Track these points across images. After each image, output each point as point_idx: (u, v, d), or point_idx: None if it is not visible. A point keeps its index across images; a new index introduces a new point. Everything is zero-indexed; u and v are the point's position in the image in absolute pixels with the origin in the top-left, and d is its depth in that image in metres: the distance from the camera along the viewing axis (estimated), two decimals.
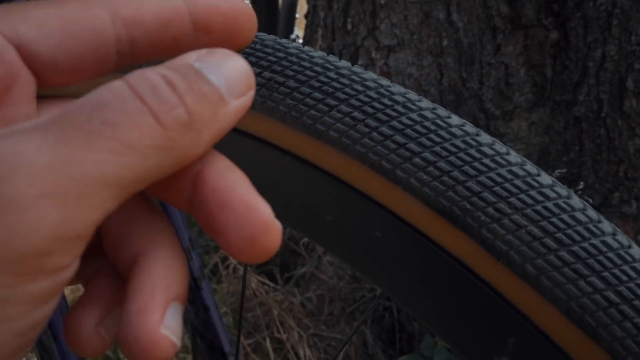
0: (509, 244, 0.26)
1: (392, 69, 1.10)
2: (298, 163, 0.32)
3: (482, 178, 0.27)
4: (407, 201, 0.29)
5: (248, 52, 0.32)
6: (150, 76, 0.16)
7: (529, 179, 0.27)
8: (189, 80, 0.17)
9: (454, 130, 0.28)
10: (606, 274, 0.25)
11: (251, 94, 0.19)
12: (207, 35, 0.21)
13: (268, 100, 0.31)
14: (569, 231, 0.26)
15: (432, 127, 0.28)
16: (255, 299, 1.29)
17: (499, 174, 0.27)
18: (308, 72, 0.30)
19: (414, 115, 0.28)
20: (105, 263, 0.21)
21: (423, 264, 0.30)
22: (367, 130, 0.29)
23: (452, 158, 0.27)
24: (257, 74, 0.31)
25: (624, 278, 0.25)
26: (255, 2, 1.89)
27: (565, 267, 0.25)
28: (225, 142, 0.35)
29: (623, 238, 0.26)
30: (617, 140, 0.96)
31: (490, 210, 0.26)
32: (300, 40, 1.89)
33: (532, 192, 0.26)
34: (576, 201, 0.27)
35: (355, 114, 0.29)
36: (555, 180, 0.27)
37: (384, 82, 0.30)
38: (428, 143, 0.28)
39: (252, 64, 0.31)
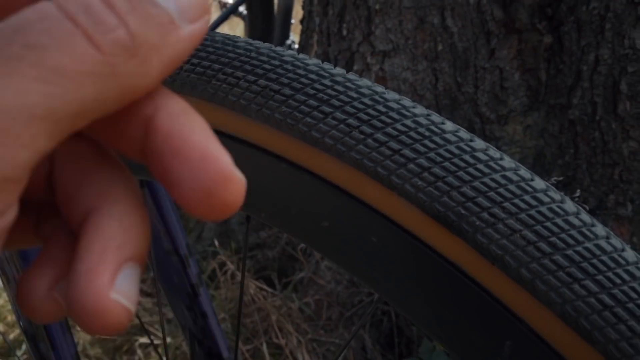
0: (504, 249, 0.26)
1: (388, 74, 1.10)
2: (294, 170, 0.32)
3: (476, 183, 0.27)
4: (402, 207, 0.29)
5: (244, 60, 0.32)
6: None
7: (522, 184, 0.27)
8: (132, 0, 0.15)
9: (448, 136, 0.28)
10: (600, 277, 0.25)
11: (206, 18, 0.17)
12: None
13: (264, 107, 0.31)
14: (563, 235, 0.26)
15: (427, 134, 0.28)
16: (254, 305, 1.28)
17: (493, 179, 0.27)
18: (303, 80, 0.30)
19: (408, 122, 0.28)
20: (62, 221, 0.19)
21: (419, 269, 0.30)
22: (362, 137, 0.29)
23: (446, 164, 0.27)
24: (252, 82, 0.31)
25: (618, 281, 0.25)
26: (251, 8, 1.90)
27: (559, 271, 0.25)
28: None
29: (617, 241, 0.26)
30: (611, 143, 0.96)
31: (485, 215, 0.27)
32: (296, 46, 1.89)
33: (526, 197, 0.26)
34: (570, 205, 0.27)
35: (350, 121, 0.29)
36: (549, 185, 0.27)
37: (379, 89, 0.30)
38: (422, 149, 0.28)
39: (247, 72, 0.32)
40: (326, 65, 0.31)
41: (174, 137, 0.16)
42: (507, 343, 0.29)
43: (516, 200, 0.26)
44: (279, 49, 0.32)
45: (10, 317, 1.39)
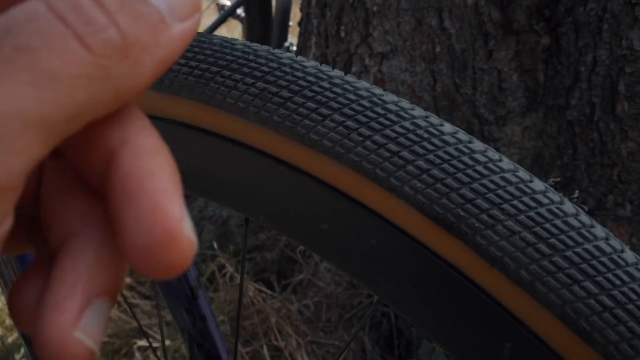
0: (503, 250, 0.26)
1: (386, 75, 1.10)
2: (292, 172, 0.32)
3: (475, 185, 0.27)
4: (401, 209, 0.29)
5: (242, 62, 0.32)
6: None
7: (521, 186, 0.27)
8: None
9: (446, 138, 0.28)
10: (600, 278, 0.25)
11: (197, 17, 0.16)
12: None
13: (262, 110, 0.31)
14: (562, 236, 0.26)
15: (425, 135, 0.28)
16: (253, 307, 1.28)
17: (492, 181, 0.27)
18: (301, 82, 0.30)
19: (406, 124, 0.28)
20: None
21: (418, 271, 0.30)
22: (360, 138, 0.29)
23: (445, 165, 0.27)
24: (250, 85, 0.31)
25: (618, 282, 0.25)
26: (249, 11, 1.90)
27: (559, 273, 0.25)
28: (220, 152, 0.35)
29: (616, 242, 0.26)
30: (610, 144, 0.96)
31: (484, 216, 0.27)
32: (294, 48, 1.89)
33: (525, 199, 0.26)
34: (569, 206, 0.27)
35: (349, 123, 0.29)
36: (548, 186, 0.27)
37: (377, 90, 0.30)
38: (421, 151, 0.28)
39: (245, 74, 0.32)
40: (324, 68, 0.31)
41: (131, 180, 0.15)
42: (506, 345, 0.29)
43: (515, 202, 0.26)
44: (277, 51, 0.32)
45: (9, 321, 1.39)
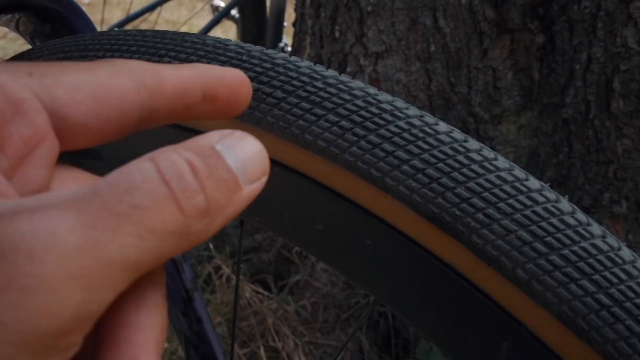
0: (500, 249, 0.26)
1: (381, 75, 1.10)
2: (287, 173, 0.32)
3: (471, 184, 0.27)
4: (397, 209, 0.29)
5: (235, 63, 0.32)
6: (177, 160, 0.17)
7: (517, 184, 0.27)
8: (210, 166, 0.17)
9: (442, 137, 0.28)
10: (597, 276, 0.25)
11: (264, 179, 0.19)
12: (212, 104, 0.22)
13: (256, 111, 0.31)
14: (559, 235, 0.26)
15: (420, 135, 0.28)
16: (250, 308, 1.28)
17: (487, 180, 0.27)
18: (295, 82, 0.30)
19: (401, 123, 0.28)
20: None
21: (415, 271, 0.30)
22: (355, 139, 0.29)
23: (440, 165, 0.27)
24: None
25: (615, 280, 0.25)
26: (243, 12, 1.90)
27: (556, 271, 0.25)
28: None
29: (613, 240, 0.26)
30: (605, 141, 0.96)
31: (480, 216, 0.26)
32: (289, 49, 1.89)
33: (521, 197, 0.26)
34: (565, 204, 0.27)
35: (343, 123, 0.29)
36: (544, 185, 0.27)
37: (372, 90, 0.30)
38: (416, 150, 0.28)
39: None
40: (318, 68, 0.31)
41: (124, 326, 0.17)
42: (503, 344, 0.28)
43: (511, 201, 0.26)
44: (270, 51, 0.32)
45: None
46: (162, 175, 0.16)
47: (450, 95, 1.06)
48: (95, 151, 0.39)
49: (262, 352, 1.21)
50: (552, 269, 0.25)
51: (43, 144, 0.19)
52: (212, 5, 2.27)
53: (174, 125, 0.35)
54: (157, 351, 0.18)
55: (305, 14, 1.27)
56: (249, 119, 0.31)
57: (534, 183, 0.27)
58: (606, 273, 0.25)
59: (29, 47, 0.48)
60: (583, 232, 0.26)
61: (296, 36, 1.36)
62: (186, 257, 0.53)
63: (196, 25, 3.38)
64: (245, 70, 0.31)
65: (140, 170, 0.16)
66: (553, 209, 0.26)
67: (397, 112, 0.29)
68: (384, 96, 0.29)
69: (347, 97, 0.29)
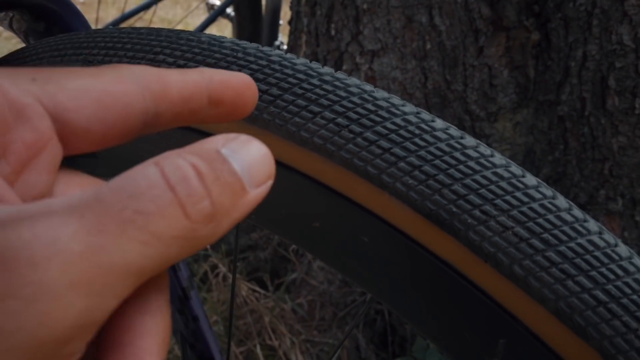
0: (496, 246, 0.26)
1: (377, 73, 1.10)
2: (283, 170, 0.31)
3: (467, 181, 0.27)
4: (393, 206, 0.29)
5: (230, 60, 0.32)
6: (182, 165, 0.17)
7: (514, 181, 0.27)
8: (216, 170, 0.17)
9: (438, 133, 0.28)
10: (594, 273, 0.25)
11: (270, 183, 0.19)
12: (218, 108, 0.22)
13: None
14: (556, 231, 0.26)
15: (417, 131, 0.28)
16: (246, 307, 1.28)
17: (484, 176, 0.27)
18: (291, 80, 0.30)
19: (398, 120, 0.28)
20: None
21: (411, 268, 0.30)
22: (351, 136, 0.29)
23: (437, 162, 0.27)
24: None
25: (612, 277, 0.25)
26: (239, 10, 1.89)
27: (552, 268, 0.25)
28: None
29: (609, 237, 0.26)
30: (601, 138, 0.96)
31: (477, 212, 0.26)
32: (285, 47, 1.89)
33: (518, 194, 0.26)
34: (561, 201, 0.27)
35: (340, 120, 0.29)
36: (540, 181, 0.27)
37: (368, 87, 0.30)
38: (413, 147, 0.28)
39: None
40: (314, 65, 0.31)
41: (129, 329, 0.17)
42: (500, 341, 0.28)
43: (508, 197, 0.26)
44: (266, 48, 0.32)
45: None
46: (167, 180, 0.16)
47: (446, 93, 1.06)
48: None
49: (258, 350, 1.21)
50: (549, 265, 0.25)
51: (46, 149, 0.19)
52: (207, 4, 2.26)
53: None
54: (162, 355, 0.18)
55: (301, 12, 1.27)
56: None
57: (530, 180, 0.27)
58: (603, 269, 0.25)
59: (23, 45, 0.47)
60: (580, 228, 0.26)
61: (292, 34, 1.36)
62: None
63: (191, 24, 3.37)
64: (241, 67, 0.31)
65: (145, 175, 0.16)
66: (550, 206, 0.26)
67: (393, 109, 0.29)
68: (381, 93, 0.29)
69: (343, 94, 0.29)
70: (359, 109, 0.29)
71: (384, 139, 0.28)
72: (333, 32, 1.14)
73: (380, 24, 1.07)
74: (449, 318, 0.30)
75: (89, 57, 0.36)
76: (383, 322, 1.20)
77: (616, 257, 0.25)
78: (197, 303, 0.56)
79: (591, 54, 0.94)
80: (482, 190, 0.26)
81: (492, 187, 0.26)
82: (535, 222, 0.26)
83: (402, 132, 0.28)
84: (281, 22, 2.02)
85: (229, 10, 2.03)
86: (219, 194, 0.17)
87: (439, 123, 0.28)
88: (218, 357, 0.56)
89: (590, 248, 0.25)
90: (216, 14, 1.78)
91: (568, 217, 0.26)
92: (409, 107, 0.29)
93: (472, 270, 0.28)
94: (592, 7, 0.93)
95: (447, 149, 0.27)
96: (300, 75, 0.30)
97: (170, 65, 0.33)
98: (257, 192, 0.18)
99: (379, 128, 0.28)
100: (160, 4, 1.86)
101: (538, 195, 0.26)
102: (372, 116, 0.29)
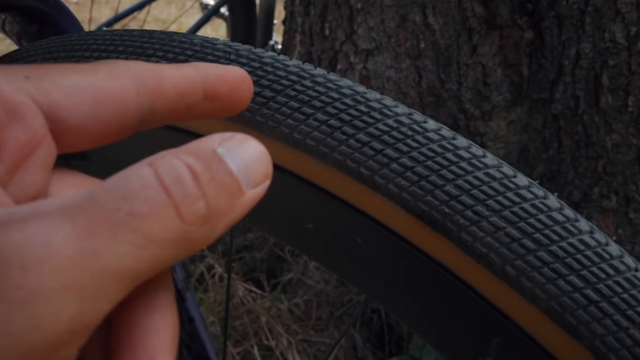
0: (488, 246, 0.26)
1: (371, 72, 1.10)
2: (276, 172, 0.31)
3: (459, 181, 0.27)
4: (386, 207, 0.29)
5: (223, 62, 0.32)
6: (176, 165, 0.16)
7: (505, 181, 0.27)
8: (211, 170, 0.17)
9: (430, 134, 0.28)
10: (585, 272, 0.25)
11: (267, 183, 0.18)
12: (213, 103, 0.22)
13: (244, 110, 0.31)
14: (547, 231, 0.26)
15: (409, 133, 0.28)
16: (243, 307, 1.28)
17: (476, 177, 0.27)
18: (283, 82, 0.30)
19: (390, 121, 0.28)
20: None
21: (405, 268, 0.30)
22: (344, 137, 0.29)
23: (429, 163, 0.27)
24: None
25: (603, 276, 0.25)
26: (233, 10, 1.89)
27: (544, 267, 0.25)
28: None
29: (600, 236, 0.26)
30: (594, 136, 0.97)
31: (469, 213, 0.26)
32: (279, 46, 1.89)
33: (509, 194, 0.26)
34: (553, 201, 0.27)
35: (332, 121, 0.29)
36: (532, 181, 0.27)
37: (360, 88, 0.30)
38: (405, 148, 0.28)
39: None
40: (307, 66, 0.31)
41: (138, 328, 0.17)
42: (494, 340, 0.29)
43: (499, 198, 0.26)
44: (258, 50, 0.32)
45: None
46: (162, 180, 0.16)
47: (441, 92, 1.07)
48: (83, 152, 0.39)
49: (255, 350, 1.21)
50: (540, 265, 0.25)
51: (40, 147, 0.19)
52: (201, 3, 2.26)
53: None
54: (173, 353, 0.18)
55: (295, 12, 1.27)
56: (237, 118, 0.31)
57: (522, 180, 0.27)
58: (594, 269, 0.25)
59: (16, 47, 0.47)
60: (571, 228, 0.26)
61: (286, 34, 1.36)
62: None
63: (186, 23, 3.37)
64: None
65: (139, 175, 0.16)
66: (541, 206, 0.26)
67: (385, 110, 0.29)
68: (373, 94, 0.29)
69: (335, 95, 0.29)
70: (352, 111, 0.29)
71: (377, 141, 0.28)
72: (327, 32, 1.14)
73: (374, 23, 1.07)
74: (443, 318, 0.30)
75: (82, 59, 0.36)
76: (380, 321, 1.20)
77: (607, 256, 0.25)
78: (193, 304, 0.56)
79: (584, 52, 0.95)
80: (474, 191, 0.27)
81: (484, 187, 0.27)
82: (527, 222, 0.26)
83: (394, 133, 0.28)
84: (275, 21, 2.02)
85: (223, 10, 2.02)
86: (214, 195, 0.16)
87: (431, 124, 0.29)
88: (214, 358, 0.56)
89: (582, 247, 0.25)
90: (210, 13, 1.77)
91: (559, 217, 0.26)
92: (402, 109, 0.29)
93: (465, 271, 0.28)
94: (584, 5, 0.93)
95: (439, 150, 0.28)
96: (293, 77, 0.30)
97: None
98: (254, 193, 0.18)
99: (371, 129, 0.28)
100: (154, 4, 1.85)
101: (529, 196, 0.26)
102: (364, 118, 0.29)
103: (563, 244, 0.26)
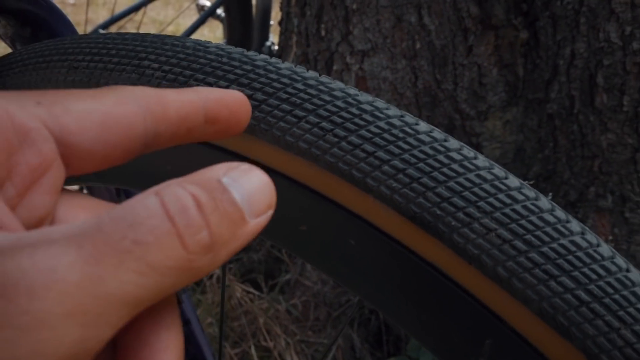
0: (480, 248, 0.26)
1: (367, 73, 1.10)
2: (269, 175, 0.32)
3: (451, 183, 0.27)
4: (378, 209, 0.29)
5: (215, 66, 0.32)
6: (182, 196, 0.17)
7: (497, 183, 0.27)
8: (216, 199, 0.17)
9: (422, 137, 0.28)
10: (576, 273, 0.25)
11: (270, 212, 0.19)
12: (213, 126, 0.23)
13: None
14: (538, 232, 0.26)
15: (401, 135, 0.28)
16: (240, 308, 1.28)
17: (467, 179, 0.27)
18: (275, 84, 0.30)
19: (382, 124, 0.28)
20: None
21: (397, 270, 0.30)
22: (336, 140, 0.29)
23: (421, 165, 0.27)
24: (224, 88, 0.31)
25: (594, 276, 0.25)
26: (229, 11, 1.89)
27: (535, 269, 0.26)
28: (195, 156, 0.35)
29: (592, 237, 0.26)
30: (590, 136, 0.97)
31: (460, 215, 0.27)
32: (276, 47, 1.89)
33: (501, 195, 0.27)
34: (544, 202, 0.27)
35: (324, 124, 0.29)
36: (523, 183, 0.27)
37: (352, 91, 0.30)
38: (397, 151, 0.28)
39: (219, 77, 0.31)
40: (299, 69, 0.31)
41: (147, 346, 0.18)
42: (487, 342, 0.29)
43: (491, 199, 0.26)
44: (251, 53, 0.32)
45: None
46: (167, 210, 0.16)
47: (437, 92, 1.07)
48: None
49: (253, 351, 1.21)
50: (531, 266, 0.26)
51: (50, 171, 0.19)
52: (197, 5, 2.25)
53: None
54: None
55: (291, 13, 1.27)
56: None
57: (513, 181, 0.27)
58: (585, 270, 0.25)
59: (9, 50, 0.47)
60: (562, 229, 0.26)
61: (282, 35, 1.36)
62: None
63: (183, 24, 3.36)
64: (226, 72, 0.31)
65: (145, 205, 0.16)
66: (532, 207, 0.26)
67: (377, 113, 0.29)
68: (364, 97, 0.30)
69: (327, 98, 0.29)
70: (343, 113, 0.29)
71: (368, 143, 0.28)
72: (323, 33, 1.14)
73: (369, 24, 1.07)
74: (436, 319, 0.30)
75: (74, 63, 0.36)
76: (377, 322, 1.20)
77: (598, 257, 0.25)
78: (189, 306, 0.56)
79: (579, 51, 0.95)
80: (466, 193, 0.27)
81: (476, 189, 0.27)
82: (518, 224, 0.26)
83: (386, 135, 0.28)
84: (272, 22, 2.02)
85: (220, 11, 2.02)
86: (217, 224, 0.17)
87: (423, 126, 0.29)
88: None
89: (573, 249, 0.26)
90: (206, 15, 1.77)
91: (550, 218, 0.26)
92: (393, 111, 0.29)
93: (457, 272, 0.28)
94: (579, 5, 0.93)
95: (430, 151, 0.28)
96: (285, 80, 0.30)
97: (155, 70, 0.33)
98: (256, 222, 0.18)
99: (363, 132, 0.28)
100: (150, 5, 1.85)
101: (521, 197, 0.27)
102: (356, 120, 0.29)
103: (554, 245, 0.26)
